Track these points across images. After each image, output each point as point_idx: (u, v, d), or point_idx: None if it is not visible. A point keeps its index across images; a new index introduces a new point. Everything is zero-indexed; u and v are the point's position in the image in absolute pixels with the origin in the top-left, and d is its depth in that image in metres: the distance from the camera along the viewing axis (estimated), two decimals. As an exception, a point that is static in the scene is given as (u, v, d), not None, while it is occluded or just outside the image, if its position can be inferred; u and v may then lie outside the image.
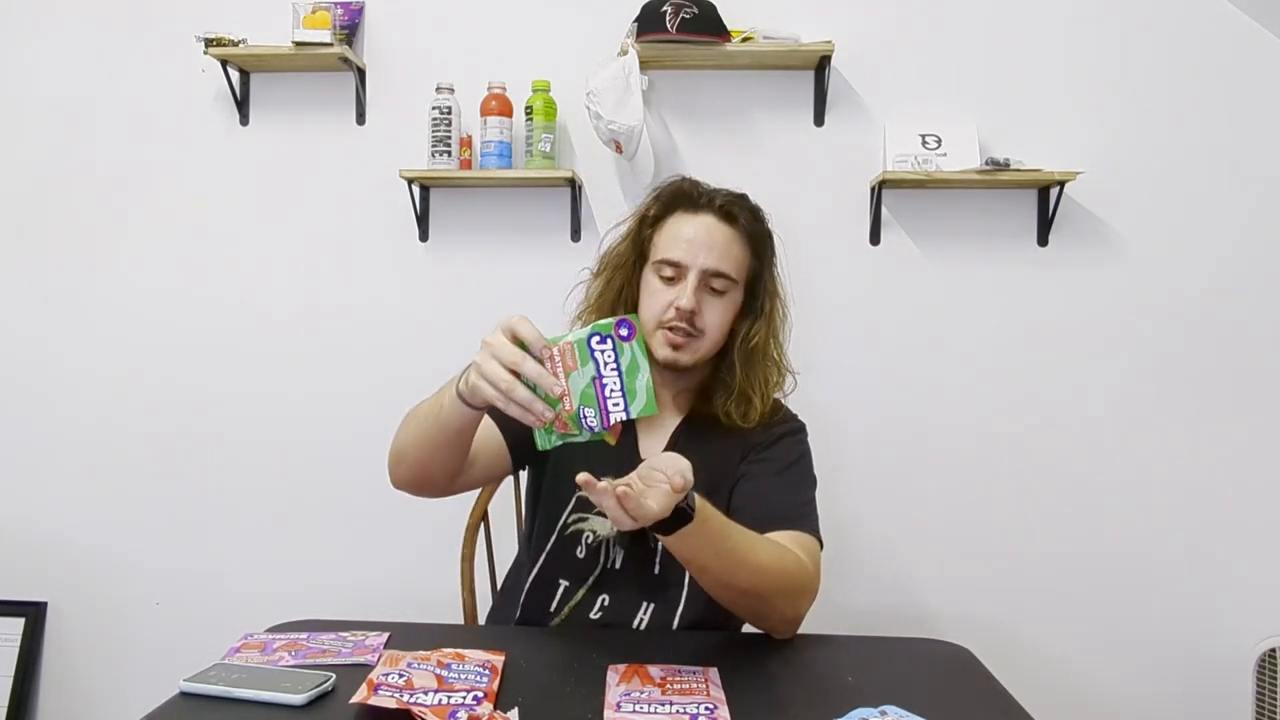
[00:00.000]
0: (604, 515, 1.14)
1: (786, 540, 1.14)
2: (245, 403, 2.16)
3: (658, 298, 1.23)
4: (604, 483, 0.89)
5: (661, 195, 1.29)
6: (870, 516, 2.06)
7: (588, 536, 1.22)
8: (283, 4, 2.06)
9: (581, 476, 0.89)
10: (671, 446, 1.25)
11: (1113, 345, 2.06)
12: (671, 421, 1.29)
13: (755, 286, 1.28)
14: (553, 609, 1.22)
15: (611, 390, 0.89)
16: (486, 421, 1.17)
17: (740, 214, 1.26)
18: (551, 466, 1.25)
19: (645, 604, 1.20)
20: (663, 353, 1.22)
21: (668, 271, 1.23)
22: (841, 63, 2.06)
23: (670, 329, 1.22)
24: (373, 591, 2.10)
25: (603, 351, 0.89)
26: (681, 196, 1.27)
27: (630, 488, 0.88)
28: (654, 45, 1.97)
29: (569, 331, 0.90)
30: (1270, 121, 2.03)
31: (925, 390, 2.08)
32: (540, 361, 0.89)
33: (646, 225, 1.28)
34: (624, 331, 0.88)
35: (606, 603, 1.21)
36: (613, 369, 0.89)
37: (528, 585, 1.24)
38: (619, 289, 1.29)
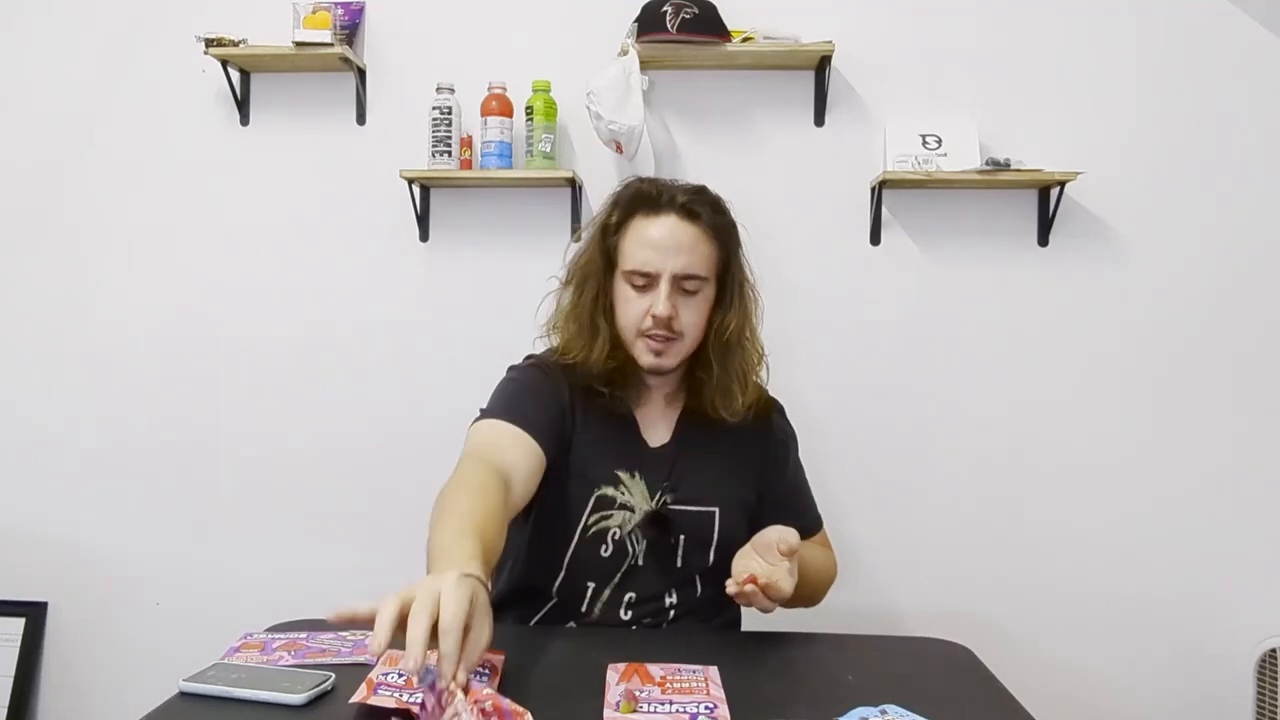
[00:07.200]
0: (624, 510, 1.24)
1: (819, 542, 1.39)
2: (245, 402, 2.16)
3: (633, 306, 1.24)
4: (748, 587, 1.04)
5: (621, 200, 1.29)
6: (870, 516, 2.06)
7: (613, 533, 1.23)
8: (283, 4, 2.06)
9: (732, 591, 1.06)
10: (675, 440, 1.30)
11: (1113, 345, 2.06)
12: (670, 417, 1.32)
13: (725, 277, 1.29)
14: (583, 609, 1.23)
15: None
16: (520, 436, 1.16)
17: (702, 210, 1.25)
18: (572, 471, 1.24)
19: (671, 590, 1.25)
20: (646, 359, 1.25)
21: (639, 281, 1.23)
22: (841, 63, 2.06)
23: (650, 336, 1.24)
24: (373, 591, 2.09)
25: None
26: (641, 199, 1.26)
27: (764, 577, 1.04)
28: (654, 45, 1.97)
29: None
30: (1270, 121, 2.03)
31: (925, 390, 2.08)
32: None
33: (611, 231, 1.28)
34: None
35: (634, 599, 1.23)
36: None
37: (555, 589, 1.24)
38: (593, 297, 1.29)
